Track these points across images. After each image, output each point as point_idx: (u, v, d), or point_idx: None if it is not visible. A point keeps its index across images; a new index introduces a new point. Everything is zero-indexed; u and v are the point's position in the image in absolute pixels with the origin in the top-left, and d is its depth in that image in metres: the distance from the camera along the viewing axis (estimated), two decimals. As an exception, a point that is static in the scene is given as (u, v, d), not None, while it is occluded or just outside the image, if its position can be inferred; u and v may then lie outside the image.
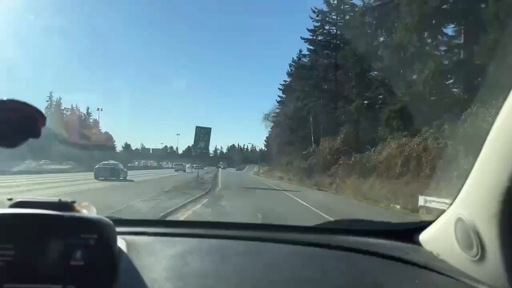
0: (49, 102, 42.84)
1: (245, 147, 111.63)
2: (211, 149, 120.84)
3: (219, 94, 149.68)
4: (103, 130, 45.32)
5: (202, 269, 0.69)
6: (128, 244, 0.74)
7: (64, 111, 43.53)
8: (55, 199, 0.67)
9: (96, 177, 15.11)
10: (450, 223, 0.73)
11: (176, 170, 32.51)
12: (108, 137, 41.21)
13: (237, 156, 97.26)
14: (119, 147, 50.40)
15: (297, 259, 0.78)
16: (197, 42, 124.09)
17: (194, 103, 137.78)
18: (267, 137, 69.25)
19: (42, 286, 0.61)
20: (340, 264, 0.75)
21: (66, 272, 0.60)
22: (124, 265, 0.67)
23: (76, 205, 0.68)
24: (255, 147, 75.96)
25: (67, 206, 0.67)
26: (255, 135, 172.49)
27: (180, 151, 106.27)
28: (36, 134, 0.60)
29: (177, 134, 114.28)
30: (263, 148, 64.15)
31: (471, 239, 0.66)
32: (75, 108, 47.74)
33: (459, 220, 0.70)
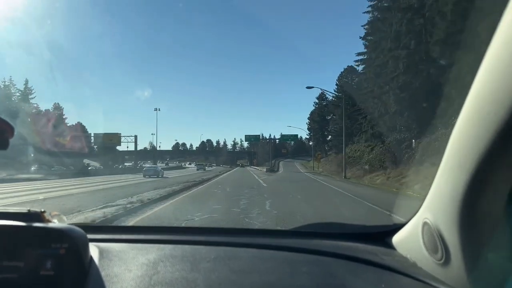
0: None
1: (271, 137, 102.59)
2: (229, 143, 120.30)
3: (235, 77, 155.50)
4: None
5: (171, 276, 0.75)
6: (101, 252, 0.81)
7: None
8: (24, 209, 0.73)
9: (144, 176, 24.69)
10: (418, 227, 0.82)
11: (197, 169, 47.83)
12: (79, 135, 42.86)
13: (262, 150, 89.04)
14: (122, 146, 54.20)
15: (267, 263, 0.86)
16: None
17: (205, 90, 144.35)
18: (309, 125, 63.48)
19: None
20: (311, 268, 0.83)
21: (36, 282, 0.65)
22: (94, 274, 0.72)
23: (46, 215, 0.74)
24: (280, 138, 67.27)
25: (37, 216, 0.72)
26: (280, 124, 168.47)
27: (193, 147, 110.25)
28: (4, 145, 0.65)
29: (201, 135, 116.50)
30: (303, 136, 59.23)
31: (436, 243, 0.73)
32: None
33: (425, 224, 0.78)
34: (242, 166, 77.11)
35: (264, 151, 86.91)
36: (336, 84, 49.22)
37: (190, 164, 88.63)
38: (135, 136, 51.20)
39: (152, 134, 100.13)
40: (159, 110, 61.28)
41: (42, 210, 0.72)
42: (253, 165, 72.34)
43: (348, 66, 47.54)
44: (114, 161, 46.18)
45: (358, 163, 25.68)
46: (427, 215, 0.77)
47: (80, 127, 48.52)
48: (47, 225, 0.71)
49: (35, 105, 43.07)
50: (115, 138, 47.82)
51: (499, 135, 0.53)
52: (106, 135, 47.22)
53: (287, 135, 49.23)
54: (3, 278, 0.64)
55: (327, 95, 61.20)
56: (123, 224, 5.64)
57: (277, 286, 0.75)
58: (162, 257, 0.84)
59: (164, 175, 26.25)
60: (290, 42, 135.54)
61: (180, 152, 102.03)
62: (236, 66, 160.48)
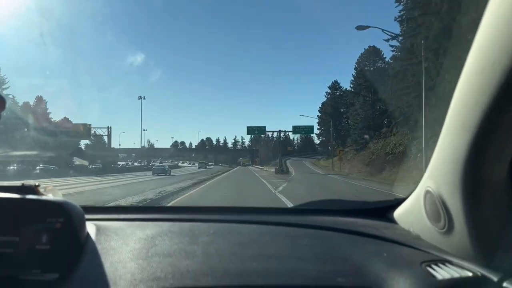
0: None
1: (274, 136, 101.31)
2: (230, 142, 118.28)
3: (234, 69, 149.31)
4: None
5: (169, 249, 0.79)
6: (98, 229, 0.85)
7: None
8: (17, 182, 0.76)
9: (153, 174, 28.38)
10: (420, 197, 0.86)
11: (199, 168, 54.36)
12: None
13: (265, 148, 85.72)
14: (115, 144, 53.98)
15: (267, 237, 0.91)
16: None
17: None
18: (320, 118, 59.05)
19: (7, 271, 0.67)
20: (310, 241, 0.88)
21: (32, 257, 0.68)
22: (90, 248, 0.76)
23: (40, 189, 0.77)
24: (286, 134, 62.81)
25: (31, 189, 0.74)
26: (285, 121, 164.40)
27: (192, 146, 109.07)
28: None
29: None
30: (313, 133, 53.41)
31: (438, 211, 0.77)
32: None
33: (427, 192, 0.81)
34: (244, 165, 75.77)
35: (267, 149, 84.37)
36: (355, 68, 42.06)
37: (185, 163, 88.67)
38: (109, 128, 45.96)
39: (144, 130, 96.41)
40: (144, 98, 58.29)
41: (36, 183, 0.76)
42: (255, 164, 70.34)
43: (369, 46, 40.76)
44: (102, 159, 42.27)
45: (402, 162, 20.25)
46: (429, 183, 0.80)
47: (67, 122, 43.49)
48: (41, 197, 0.73)
49: (11, 97, 39.30)
50: (79, 130, 40.11)
51: (503, 89, 0.52)
52: (73, 125, 41.02)
53: (300, 126, 39.22)
54: None
55: (341, 86, 54.74)
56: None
57: (277, 257, 0.80)
58: (160, 232, 0.88)
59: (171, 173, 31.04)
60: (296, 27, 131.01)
61: (179, 151, 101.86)
62: (238, 55, 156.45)
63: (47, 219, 0.69)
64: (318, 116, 60.12)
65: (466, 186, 0.66)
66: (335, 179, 22.20)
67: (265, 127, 40.47)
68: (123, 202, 7.82)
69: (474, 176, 0.65)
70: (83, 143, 47.99)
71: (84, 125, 40.71)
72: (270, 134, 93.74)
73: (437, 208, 0.76)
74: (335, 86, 60.10)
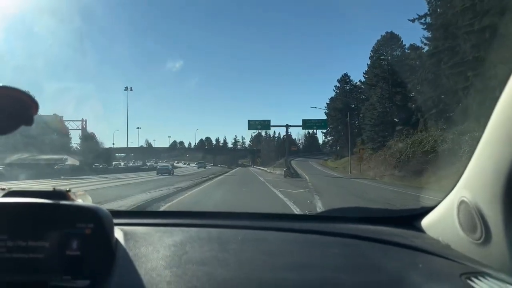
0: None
1: (276, 136, 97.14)
2: (230, 142, 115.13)
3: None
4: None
5: (201, 256, 0.82)
6: (126, 235, 0.88)
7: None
8: (49, 188, 0.79)
9: (157, 174, 30.41)
10: (452, 207, 0.88)
11: (198, 168, 57.53)
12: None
13: (267, 148, 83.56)
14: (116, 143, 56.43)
15: (296, 246, 0.93)
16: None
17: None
18: (328, 114, 54.17)
19: (38, 276, 0.69)
20: (341, 250, 0.90)
21: (62, 262, 0.69)
22: (121, 255, 0.78)
23: (71, 194, 0.79)
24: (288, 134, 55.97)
25: (62, 195, 0.77)
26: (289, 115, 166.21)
27: (190, 146, 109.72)
28: (29, 121, 0.69)
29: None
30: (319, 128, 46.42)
31: (474, 222, 0.78)
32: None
33: (462, 202, 0.83)
34: (244, 166, 75.87)
35: (269, 149, 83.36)
36: (371, 56, 37.76)
37: (180, 163, 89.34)
38: (83, 121, 43.41)
39: (137, 128, 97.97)
40: (131, 89, 56.73)
41: (68, 189, 0.80)
42: (256, 165, 70.07)
43: (387, 32, 36.89)
44: (95, 159, 40.38)
45: (450, 162, 15.00)
46: (465, 193, 0.83)
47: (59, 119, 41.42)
48: (72, 203, 0.76)
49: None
50: (53, 123, 36.56)
51: None
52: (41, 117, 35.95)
53: (311, 120, 31.94)
54: (29, 258, 0.69)
55: (351, 79, 50.46)
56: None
57: (310, 267, 0.81)
58: (189, 238, 0.92)
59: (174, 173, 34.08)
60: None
61: (178, 150, 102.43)
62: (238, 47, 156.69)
63: (77, 224, 0.71)
64: (325, 112, 56.48)
65: (506, 198, 0.69)
66: (370, 185, 16.93)
67: (269, 121, 32.49)
68: (144, 197, 9.30)
69: None
70: (74, 142, 46.15)
71: (54, 116, 37.46)
72: (272, 133, 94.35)
73: (473, 219, 0.77)
74: (345, 79, 57.18)
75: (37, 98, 0.66)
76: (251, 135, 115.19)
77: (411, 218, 1.10)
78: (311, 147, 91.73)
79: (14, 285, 0.68)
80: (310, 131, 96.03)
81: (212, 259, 0.80)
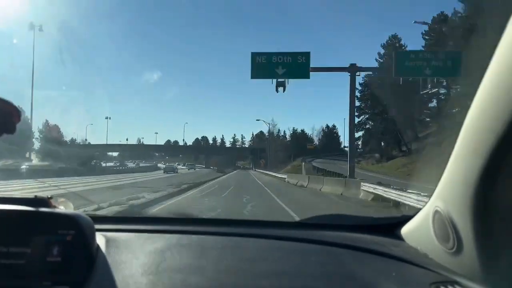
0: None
1: (282, 134, 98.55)
2: (227, 141, 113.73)
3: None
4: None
5: (179, 263, 0.97)
6: (107, 241, 1.04)
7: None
8: (30, 195, 0.94)
9: (164, 172, 52.02)
10: (428, 216, 1.06)
11: (188, 169, 65.69)
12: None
13: (274, 146, 79.21)
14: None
15: (276, 253, 1.11)
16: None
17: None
18: (361, 99, 49.69)
19: (18, 282, 0.83)
20: (318, 258, 1.07)
21: (43, 268, 0.83)
22: (101, 261, 0.93)
23: (53, 201, 0.94)
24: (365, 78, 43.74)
25: (44, 202, 0.92)
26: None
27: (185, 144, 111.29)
28: (11, 129, 0.82)
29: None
30: (331, 122, 52.21)
31: (447, 231, 0.94)
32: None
33: (436, 212, 1.00)
34: (244, 168, 75.34)
35: (277, 148, 77.03)
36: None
37: (160, 163, 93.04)
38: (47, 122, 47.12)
39: (107, 118, 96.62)
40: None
41: (49, 196, 0.96)
42: (259, 168, 66.82)
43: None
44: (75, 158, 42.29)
45: None
46: (439, 203, 0.99)
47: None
48: (54, 210, 0.92)
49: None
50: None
51: None
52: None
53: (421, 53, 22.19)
54: (10, 264, 0.83)
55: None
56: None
57: (287, 275, 0.97)
58: (169, 245, 1.09)
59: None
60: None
61: (167, 150, 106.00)
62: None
63: (59, 231, 0.86)
64: (358, 97, 46.65)
65: (476, 209, 0.83)
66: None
67: (308, 54, 20.18)
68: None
69: (484, 200, 0.81)
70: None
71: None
72: (276, 131, 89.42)
73: (446, 228, 0.94)
74: (394, 42, 47.01)
75: (20, 106, 0.87)
76: (252, 134, 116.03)
77: (392, 226, 1.31)
78: (330, 146, 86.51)
79: None
80: (327, 124, 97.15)
81: (190, 266, 0.96)
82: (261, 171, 59.41)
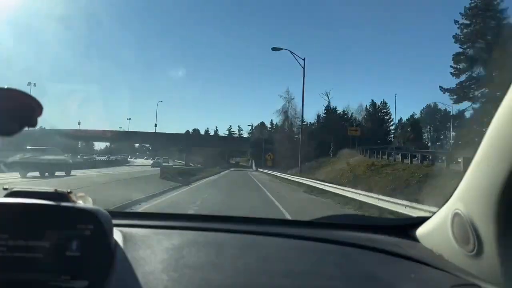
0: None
1: (298, 124, 66.55)
2: (222, 131, 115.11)
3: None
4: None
5: (198, 261, 1.11)
6: (124, 236, 1.18)
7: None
8: (51, 189, 1.06)
9: (152, 166, 58.06)
10: (447, 218, 1.20)
11: (152, 166, 61.09)
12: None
13: (285, 137, 61.99)
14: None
15: (292, 252, 1.26)
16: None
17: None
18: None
19: (38, 276, 0.94)
20: (335, 258, 1.21)
21: (61, 263, 0.95)
22: (120, 257, 1.05)
23: (72, 196, 1.08)
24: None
25: (63, 196, 1.05)
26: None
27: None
28: (32, 123, 0.93)
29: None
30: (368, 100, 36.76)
31: (467, 234, 1.06)
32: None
33: (456, 215, 1.14)
34: (240, 166, 69.05)
35: (290, 140, 57.94)
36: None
37: (135, 157, 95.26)
38: None
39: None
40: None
41: (69, 190, 1.09)
42: (264, 166, 52.96)
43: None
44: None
45: None
46: (459, 205, 1.13)
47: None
48: (73, 205, 1.04)
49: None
50: None
51: None
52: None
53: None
54: (29, 258, 0.94)
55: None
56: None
57: (306, 275, 1.10)
58: (186, 242, 1.24)
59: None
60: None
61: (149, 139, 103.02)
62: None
63: (78, 225, 0.98)
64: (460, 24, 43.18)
65: (499, 213, 0.95)
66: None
67: None
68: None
69: (508, 204, 0.93)
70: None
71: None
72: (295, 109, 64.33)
73: (467, 231, 1.06)
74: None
75: (41, 100, 0.90)
76: (251, 125, 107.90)
77: (407, 228, 1.48)
78: (377, 132, 69.69)
79: (14, 284, 0.93)
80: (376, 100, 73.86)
81: (209, 264, 1.10)
82: (269, 172, 44.82)
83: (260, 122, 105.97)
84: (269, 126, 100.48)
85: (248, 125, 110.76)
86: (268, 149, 62.60)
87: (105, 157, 77.06)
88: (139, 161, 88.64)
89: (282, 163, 50.84)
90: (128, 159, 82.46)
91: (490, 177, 0.97)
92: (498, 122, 0.93)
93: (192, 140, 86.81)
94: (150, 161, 77.34)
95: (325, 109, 75.37)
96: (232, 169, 64.27)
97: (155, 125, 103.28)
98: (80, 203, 1.08)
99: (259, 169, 55.13)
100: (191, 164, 66.32)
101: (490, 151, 0.99)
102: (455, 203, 1.16)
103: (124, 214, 1.62)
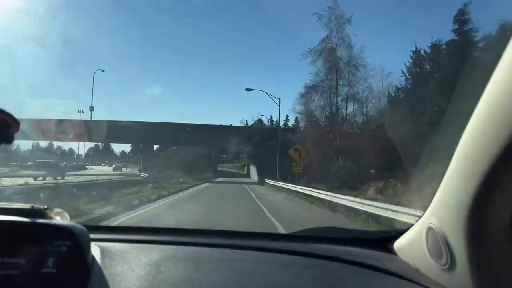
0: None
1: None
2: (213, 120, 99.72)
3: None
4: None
5: (175, 276, 1.12)
6: (102, 251, 1.19)
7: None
8: (27, 205, 1.07)
9: (113, 170, 64.09)
10: (422, 232, 1.23)
11: (113, 170, 62.88)
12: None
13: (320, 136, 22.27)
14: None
15: (270, 266, 1.28)
16: None
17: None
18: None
19: None
20: (314, 272, 1.24)
21: (37, 280, 0.94)
22: (96, 273, 1.05)
23: (49, 212, 1.09)
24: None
25: (40, 212, 1.06)
26: None
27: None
28: (9, 139, 0.93)
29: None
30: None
31: (441, 248, 1.09)
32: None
33: (430, 229, 1.17)
34: (230, 175, 49.13)
35: (341, 134, 28.41)
36: None
37: (96, 164, 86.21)
38: None
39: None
40: None
41: (45, 206, 1.09)
42: (274, 177, 30.88)
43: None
44: None
45: None
46: (432, 220, 1.16)
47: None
48: (50, 221, 1.04)
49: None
50: None
51: None
52: None
53: None
54: (4, 275, 0.93)
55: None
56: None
57: None
58: (165, 257, 1.25)
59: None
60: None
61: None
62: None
63: (54, 242, 0.98)
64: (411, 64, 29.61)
65: (470, 228, 0.97)
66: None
67: None
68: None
69: (478, 219, 0.95)
70: None
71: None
72: (284, 117, 53.95)
73: (439, 245, 1.10)
74: None
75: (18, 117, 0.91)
76: (245, 122, 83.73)
77: (385, 240, 1.51)
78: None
79: None
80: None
81: (186, 279, 1.11)
82: (275, 182, 29.53)
83: (258, 119, 79.54)
84: (268, 124, 77.66)
85: (241, 122, 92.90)
86: (289, 143, 32.14)
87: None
88: (97, 168, 71.77)
89: (311, 173, 29.62)
90: (85, 166, 69.74)
91: (460, 193, 0.99)
92: (470, 133, 0.95)
93: (156, 134, 48.97)
94: (109, 168, 70.28)
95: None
96: (219, 179, 48.25)
97: (91, 108, 54.73)
98: (57, 219, 1.08)
99: (267, 180, 32.95)
100: (143, 175, 42.68)
101: (460, 168, 1.01)
102: (429, 217, 1.19)
103: (103, 228, 1.65)
